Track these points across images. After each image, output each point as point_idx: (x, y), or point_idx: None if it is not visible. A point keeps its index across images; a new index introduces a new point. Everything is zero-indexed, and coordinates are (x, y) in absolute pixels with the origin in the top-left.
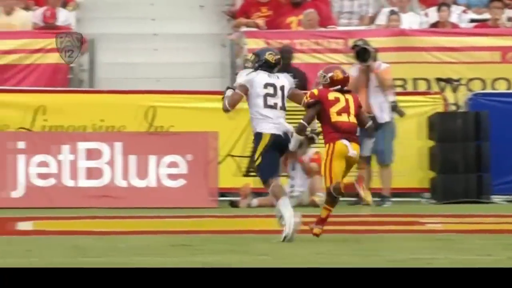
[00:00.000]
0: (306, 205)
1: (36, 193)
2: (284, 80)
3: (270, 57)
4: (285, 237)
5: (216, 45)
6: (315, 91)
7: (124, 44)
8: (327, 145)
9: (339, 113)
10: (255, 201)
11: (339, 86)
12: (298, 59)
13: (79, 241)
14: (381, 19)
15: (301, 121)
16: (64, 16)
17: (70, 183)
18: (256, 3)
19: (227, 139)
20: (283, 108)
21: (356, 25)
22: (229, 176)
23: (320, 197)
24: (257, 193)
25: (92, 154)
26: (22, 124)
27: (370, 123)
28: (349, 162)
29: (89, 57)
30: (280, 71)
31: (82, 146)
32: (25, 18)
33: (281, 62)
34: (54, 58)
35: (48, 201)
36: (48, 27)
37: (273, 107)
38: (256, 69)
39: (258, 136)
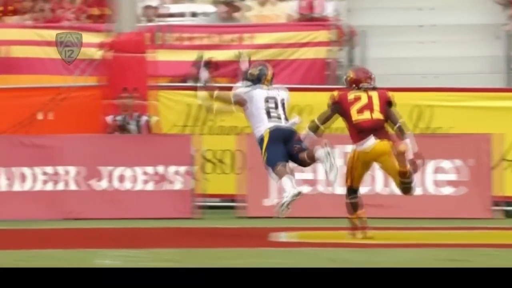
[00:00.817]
0: None
1: (301, 201)
2: (283, 94)
3: (252, 70)
4: (283, 203)
5: (488, 37)
6: (336, 94)
7: (394, 37)
8: (353, 148)
9: (360, 111)
10: None
11: (354, 86)
12: None
13: (337, 254)
14: None
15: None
16: (331, 7)
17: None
18: None
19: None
20: (286, 119)
21: None
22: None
23: None
24: None
25: None
26: None
27: (400, 122)
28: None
29: (361, 51)
30: None
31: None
32: (280, 10)
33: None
34: (311, 53)
35: (316, 210)
36: (305, 19)
37: (277, 117)
38: (248, 85)
39: (261, 139)
